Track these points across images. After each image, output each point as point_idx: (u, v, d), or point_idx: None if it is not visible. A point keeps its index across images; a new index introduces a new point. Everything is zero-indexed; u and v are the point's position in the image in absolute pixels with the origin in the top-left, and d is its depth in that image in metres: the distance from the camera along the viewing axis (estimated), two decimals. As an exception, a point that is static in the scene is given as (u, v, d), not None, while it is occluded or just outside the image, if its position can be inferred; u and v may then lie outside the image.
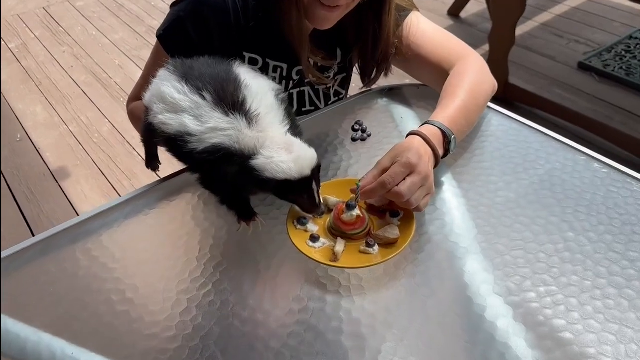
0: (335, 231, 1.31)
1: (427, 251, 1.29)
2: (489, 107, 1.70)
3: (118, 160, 3.60)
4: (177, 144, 1.23)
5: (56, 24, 5.20)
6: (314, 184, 1.24)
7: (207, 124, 1.20)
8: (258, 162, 1.19)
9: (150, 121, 1.30)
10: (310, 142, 1.58)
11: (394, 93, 1.85)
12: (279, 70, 1.63)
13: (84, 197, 3.31)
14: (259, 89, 1.27)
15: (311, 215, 1.31)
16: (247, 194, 1.32)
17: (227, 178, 1.23)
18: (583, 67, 4.13)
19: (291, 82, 1.68)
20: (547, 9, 5.00)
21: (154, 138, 1.33)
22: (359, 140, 1.65)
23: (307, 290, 1.22)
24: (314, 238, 1.28)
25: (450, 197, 1.45)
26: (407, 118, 1.74)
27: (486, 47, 4.02)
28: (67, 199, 3.19)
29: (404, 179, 1.25)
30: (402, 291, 1.22)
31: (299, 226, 1.31)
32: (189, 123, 1.20)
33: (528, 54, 4.38)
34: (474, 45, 1.96)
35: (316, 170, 1.25)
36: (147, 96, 1.33)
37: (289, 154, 1.20)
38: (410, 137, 1.39)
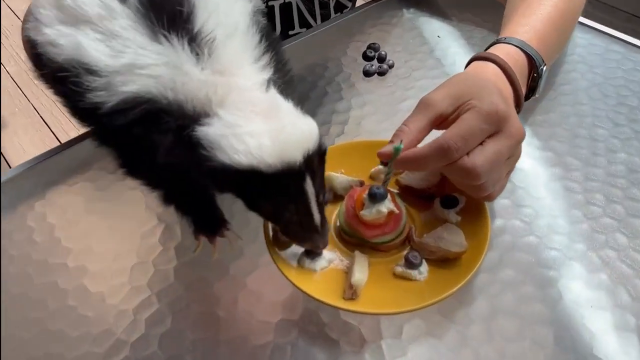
0: (351, 237, 0.75)
1: (503, 276, 0.74)
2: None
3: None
4: (70, 88, 0.63)
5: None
6: (308, 183, 0.65)
7: (121, 56, 0.61)
8: (207, 130, 0.61)
9: (28, 36, 0.69)
10: (300, 81, 1.00)
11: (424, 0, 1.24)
12: None
13: (22, 152, 2.70)
14: None
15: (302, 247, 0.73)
16: (201, 187, 0.74)
17: (156, 159, 0.63)
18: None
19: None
20: None
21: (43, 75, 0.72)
22: (376, 75, 1.06)
23: (304, 353, 0.67)
24: (312, 252, 0.72)
25: (532, 169, 0.88)
26: (447, 37, 1.15)
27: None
28: (2, 155, 2.59)
29: (482, 143, 0.67)
30: (479, 352, 0.67)
31: (284, 236, 0.75)
32: (90, 47, 0.61)
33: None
34: None
35: (315, 158, 0.66)
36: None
37: (265, 122, 0.62)
38: (477, 64, 0.80)
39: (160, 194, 0.74)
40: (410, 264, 0.70)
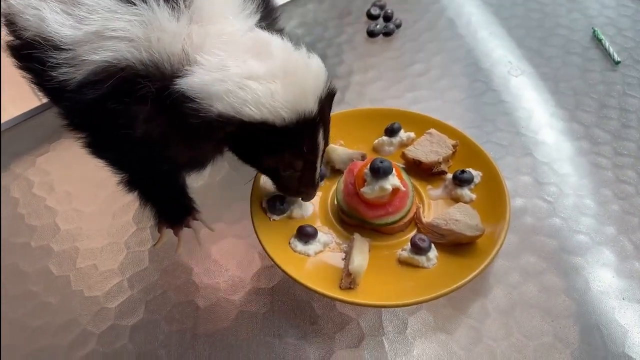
0: (349, 218, 0.66)
1: (524, 262, 0.65)
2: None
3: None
4: (37, 67, 0.55)
5: None
6: (320, 135, 0.58)
7: (86, 24, 0.52)
8: (189, 80, 0.52)
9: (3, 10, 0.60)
10: (296, 43, 0.89)
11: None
12: None
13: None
14: None
15: (299, 199, 0.66)
16: (177, 167, 0.64)
17: (132, 132, 0.54)
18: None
19: None
20: None
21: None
22: (381, 35, 0.95)
23: (294, 351, 0.59)
24: (305, 234, 0.63)
25: (556, 142, 0.78)
26: (460, -4, 1.04)
27: None
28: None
29: None
30: (496, 350, 0.58)
31: (273, 216, 0.66)
32: (52, 19, 0.54)
33: None
34: None
35: (326, 103, 0.58)
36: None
37: (261, 61, 0.53)
38: None
39: (124, 179, 0.64)
40: (417, 249, 0.61)
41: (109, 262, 0.67)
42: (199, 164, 0.64)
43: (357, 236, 0.63)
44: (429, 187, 0.70)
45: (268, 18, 0.63)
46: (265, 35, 0.57)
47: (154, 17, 0.52)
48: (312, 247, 0.63)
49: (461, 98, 0.84)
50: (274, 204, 0.65)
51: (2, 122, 0.84)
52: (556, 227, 0.67)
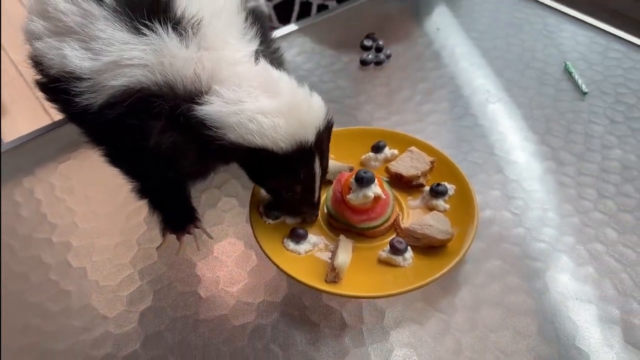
0: (337, 222, 0.74)
1: (492, 262, 0.73)
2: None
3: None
4: (62, 97, 0.63)
5: None
6: (317, 163, 0.68)
7: (104, 55, 0.60)
8: (208, 109, 0.62)
9: (30, 54, 0.69)
10: (294, 70, 1.00)
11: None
12: None
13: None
14: None
15: (299, 220, 0.75)
16: (183, 176, 0.73)
17: (147, 143, 0.63)
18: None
19: None
20: None
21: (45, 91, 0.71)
22: (373, 65, 1.05)
23: (284, 335, 0.67)
24: (297, 235, 0.72)
25: (526, 162, 0.87)
26: (446, 29, 1.14)
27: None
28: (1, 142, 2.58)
29: None
30: (461, 340, 0.66)
31: (268, 220, 0.74)
32: (72, 55, 0.61)
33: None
34: None
35: (324, 135, 0.68)
36: (30, 5, 0.70)
37: (270, 99, 0.63)
38: None
39: (136, 187, 0.73)
40: (395, 250, 0.69)
41: (122, 256, 0.75)
42: (203, 173, 0.74)
43: (342, 237, 0.71)
44: (409, 198, 0.78)
45: (265, 42, 0.73)
46: (274, 72, 0.67)
47: (164, 45, 0.61)
48: (303, 247, 0.71)
49: (442, 121, 0.93)
50: (269, 210, 0.74)
51: (28, 131, 0.94)
52: (520, 235, 0.76)
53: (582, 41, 1.09)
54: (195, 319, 0.68)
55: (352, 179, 0.71)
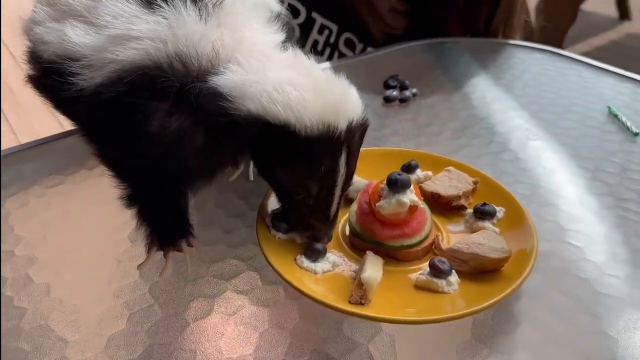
0: (362, 242, 0.61)
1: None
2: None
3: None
4: (56, 80, 0.54)
5: None
6: (343, 159, 0.55)
7: (109, 29, 0.53)
8: (226, 78, 0.52)
9: (28, 44, 0.62)
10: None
11: (445, 48, 1.17)
12: (325, 32, 1.18)
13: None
14: None
15: (305, 238, 0.60)
16: (185, 174, 0.60)
17: (149, 126, 0.53)
18: None
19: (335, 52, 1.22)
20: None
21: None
22: (397, 102, 0.96)
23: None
24: (313, 250, 0.58)
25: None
26: (475, 77, 1.07)
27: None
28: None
29: None
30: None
31: (278, 234, 0.61)
32: (72, 34, 0.54)
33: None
34: None
35: (357, 133, 0.57)
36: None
37: (300, 75, 0.54)
38: None
39: (127, 192, 0.61)
40: (437, 271, 0.55)
41: (96, 273, 0.61)
42: (207, 172, 0.61)
43: (369, 253, 0.57)
44: (448, 223, 0.65)
45: (291, 40, 0.64)
46: (305, 58, 0.58)
47: (180, 18, 0.53)
48: (320, 266, 0.57)
49: (478, 154, 0.82)
50: (278, 221, 0.61)
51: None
52: (587, 269, 0.61)
53: (624, 91, 1.01)
54: (178, 348, 0.52)
55: (382, 184, 0.59)
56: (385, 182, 0.59)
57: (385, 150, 0.75)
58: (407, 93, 0.96)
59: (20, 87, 0.65)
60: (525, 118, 0.93)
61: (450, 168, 0.69)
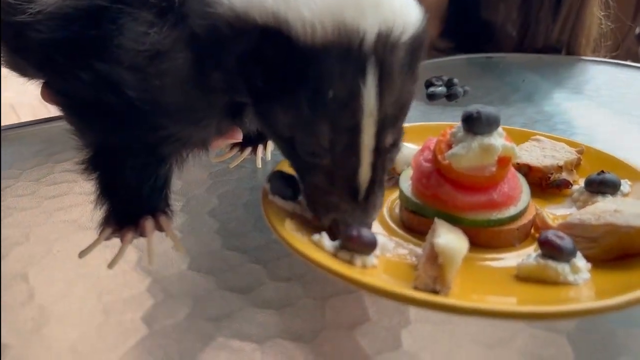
0: (424, 215, 0.39)
1: None
2: None
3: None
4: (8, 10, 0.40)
5: None
6: (370, 86, 0.33)
7: None
8: None
9: None
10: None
11: (494, 62, 1.00)
12: None
13: None
14: None
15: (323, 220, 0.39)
16: (167, 120, 0.40)
17: (116, 51, 0.36)
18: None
19: None
20: None
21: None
22: (444, 99, 0.78)
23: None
24: (365, 243, 0.35)
25: None
26: (532, 82, 0.88)
27: None
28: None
29: None
30: None
31: (275, 197, 0.40)
32: None
33: None
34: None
35: (402, 51, 0.34)
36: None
37: None
38: None
39: (91, 153, 0.42)
40: (553, 250, 0.33)
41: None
42: (194, 120, 0.42)
43: (439, 221, 0.36)
44: (546, 206, 0.44)
45: None
46: None
47: None
48: (367, 260, 0.35)
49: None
50: (282, 185, 0.40)
51: None
52: None
53: None
54: None
55: (452, 129, 0.39)
56: (459, 123, 0.39)
57: (443, 125, 0.55)
58: (458, 89, 0.78)
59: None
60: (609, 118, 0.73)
61: (540, 137, 0.49)
